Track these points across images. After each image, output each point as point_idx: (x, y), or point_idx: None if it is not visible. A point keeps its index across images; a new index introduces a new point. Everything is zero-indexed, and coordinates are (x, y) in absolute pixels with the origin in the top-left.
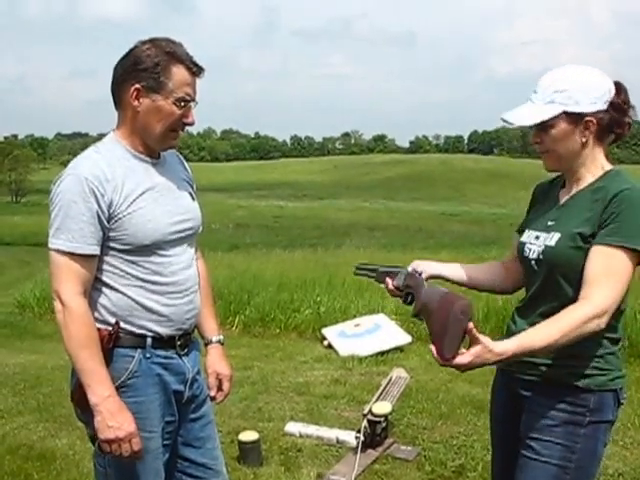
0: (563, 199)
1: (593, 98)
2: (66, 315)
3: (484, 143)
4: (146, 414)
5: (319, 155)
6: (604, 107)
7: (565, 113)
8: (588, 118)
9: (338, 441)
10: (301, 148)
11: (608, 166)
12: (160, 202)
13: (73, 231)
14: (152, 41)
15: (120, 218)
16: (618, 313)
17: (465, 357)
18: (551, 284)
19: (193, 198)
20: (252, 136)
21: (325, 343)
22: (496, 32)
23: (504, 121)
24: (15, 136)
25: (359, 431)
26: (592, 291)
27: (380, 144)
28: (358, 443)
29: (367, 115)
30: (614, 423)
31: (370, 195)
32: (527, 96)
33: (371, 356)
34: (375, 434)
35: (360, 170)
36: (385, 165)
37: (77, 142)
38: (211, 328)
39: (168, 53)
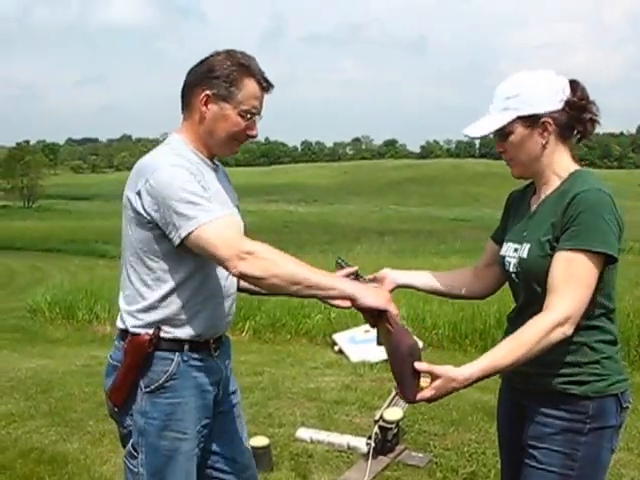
0: (533, 206)
1: (545, 99)
2: (263, 255)
3: (495, 147)
4: (182, 416)
5: (330, 160)
6: (559, 107)
7: (519, 118)
8: (544, 119)
9: (349, 447)
10: (312, 153)
11: (574, 167)
12: (223, 206)
13: (202, 204)
14: (228, 52)
15: None
16: (610, 312)
17: (427, 392)
18: (532, 294)
19: (239, 210)
20: (262, 141)
21: (336, 349)
22: (508, 36)
23: (465, 135)
24: (27, 142)
25: (370, 437)
26: (553, 300)
27: (391, 149)
28: (369, 449)
29: (378, 120)
30: (620, 428)
31: (381, 200)
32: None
33: (382, 362)
34: (386, 440)
35: (371, 175)
36: (396, 170)
37: (87, 147)
38: None
39: (242, 65)
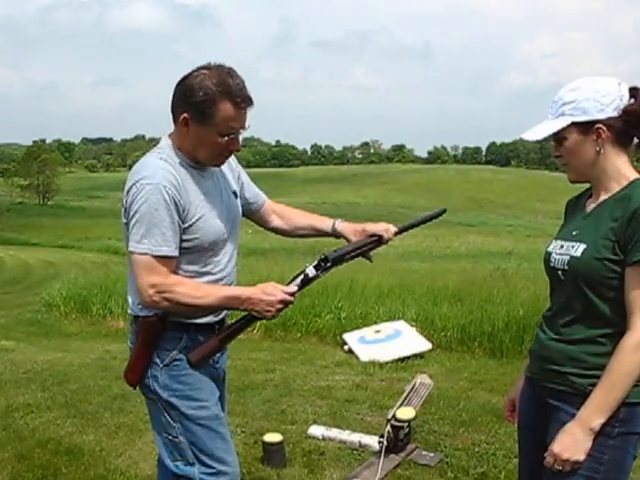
0: (589, 207)
1: (601, 105)
2: (173, 293)
3: (501, 155)
4: (200, 385)
5: (338, 164)
6: (614, 113)
7: (574, 124)
8: (597, 126)
9: (361, 445)
10: (321, 157)
11: (633, 175)
12: (214, 206)
13: (156, 236)
14: (208, 69)
15: (192, 224)
16: None
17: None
18: (577, 295)
19: (236, 196)
20: (273, 144)
21: (346, 348)
22: (516, 44)
23: (523, 139)
24: (43, 140)
25: (382, 436)
26: (634, 319)
27: (399, 154)
28: (381, 448)
29: (386, 125)
30: None
31: (388, 204)
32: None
33: (391, 362)
34: (398, 439)
35: (378, 179)
36: (403, 174)
37: (102, 147)
38: (324, 219)
39: (218, 86)
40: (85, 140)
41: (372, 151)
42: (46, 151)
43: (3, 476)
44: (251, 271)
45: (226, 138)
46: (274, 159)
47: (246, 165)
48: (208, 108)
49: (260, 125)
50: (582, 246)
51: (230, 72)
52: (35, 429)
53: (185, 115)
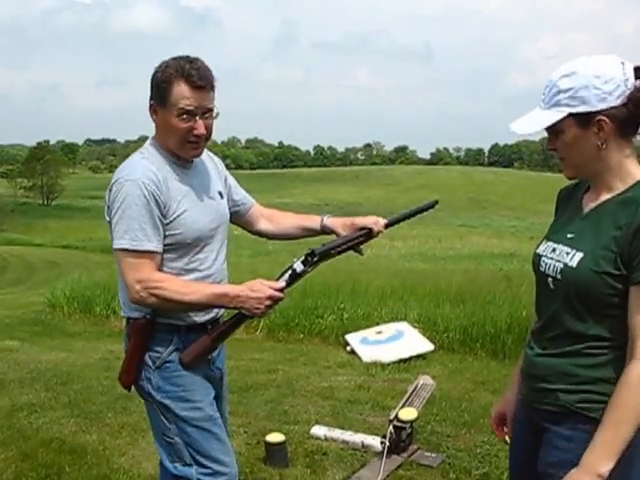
0: (587, 208)
1: (602, 93)
2: (161, 289)
3: (505, 156)
4: (193, 386)
5: (341, 165)
6: (618, 102)
7: (572, 115)
8: (599, 117)
9: (363, 445)
10: (324, 158)
11: (639, 174)
12: (198, 203)
13: (137, 231)
14: (172, 60)
15: (173, 220)
16: None
17: None
18: (568, 307)
19: (222, 196)
20: (276, 145)
21: (348, 349)
22: (517, 45)
23: (511, 132)
24: (47, 141)
25: (384, 436)
26: (639, 345)
27: (401, 155)
28: (384, 448)
29: (388, 126)
30: None
31: (391, 205)
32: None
33: (394, 363)
34: (400, 440)
35: (381, 181)
36: (406, 176)
37: (105, 148)
38: (313, 217)
39: (175, 70)
40: (89, 141)
41: (375, 153)
42: (50, 152)
43: (7, 475)
44: (253, 271)
45: (184, 117)
46: (277, 160)
47: (249, 166)
48: (164, 90)
49: (263, 126)
50: (579, 255)
51: (192, 60)
52: (39, 428)
53: (151, 102)
